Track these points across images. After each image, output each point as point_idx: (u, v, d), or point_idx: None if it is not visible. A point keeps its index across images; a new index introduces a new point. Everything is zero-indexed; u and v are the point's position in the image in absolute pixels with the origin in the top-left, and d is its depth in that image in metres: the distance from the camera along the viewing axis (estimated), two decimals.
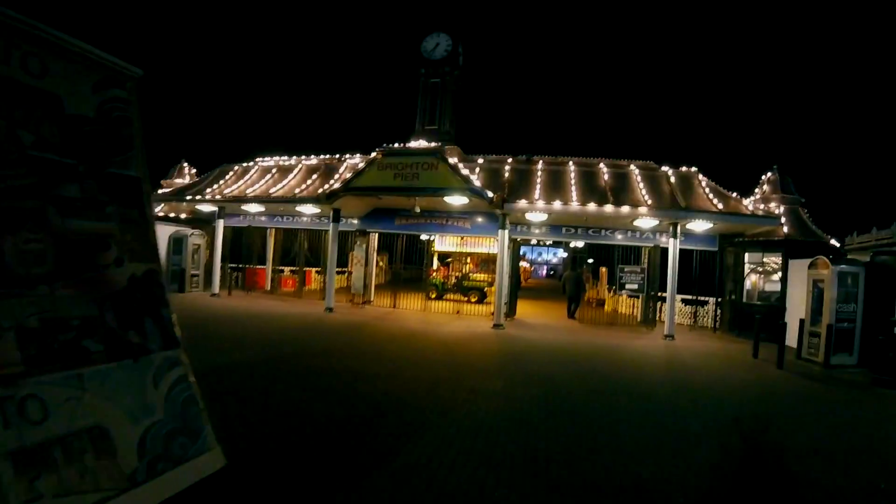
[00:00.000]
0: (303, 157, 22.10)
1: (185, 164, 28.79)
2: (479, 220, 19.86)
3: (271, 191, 20.41)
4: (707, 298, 21.37)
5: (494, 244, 28.55)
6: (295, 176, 21.06)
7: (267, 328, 14.37)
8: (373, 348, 12.13)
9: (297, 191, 19.89)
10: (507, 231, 17.35)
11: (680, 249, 17.69)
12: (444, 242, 29.23)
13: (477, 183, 16.84)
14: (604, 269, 31.59)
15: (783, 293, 17.78)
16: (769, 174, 19.86)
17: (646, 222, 17.34)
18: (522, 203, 16.71)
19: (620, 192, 17.44)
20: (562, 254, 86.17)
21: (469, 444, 6.10)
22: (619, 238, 19.30)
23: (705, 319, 21.43)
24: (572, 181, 18.03)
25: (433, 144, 17.72)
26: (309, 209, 19.88)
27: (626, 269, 19.40)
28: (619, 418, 7.55)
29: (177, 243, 23.74)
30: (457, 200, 17.32)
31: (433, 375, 9.59)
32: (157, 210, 26.03)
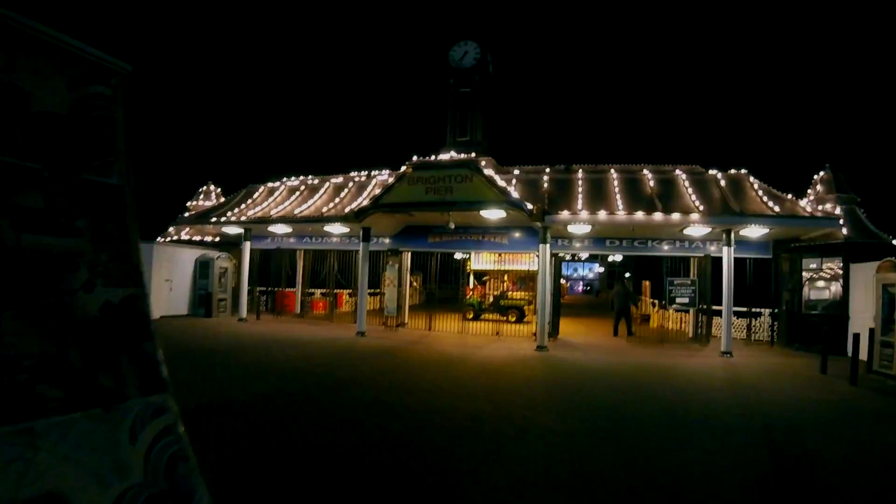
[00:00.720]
0: (330, 176, 21.27)
1: (212, 186, 28.28)
2: (517, 235, 18.82)
3: (297, 211, 19.55)
4: (761, 310, 20.07)
5: (533, 260, 27.56)
6: (322, 195, 20.21)
7: (293, 354, 13.40)
8: (406, 377, 11.02)
9: (324, 210, 19.00)
10: (548, 245, 16.18)
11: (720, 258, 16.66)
12: (479, 260, 28.07)
13: (515, 195, 15.74)
14: (646, 283, 30.18)
15: (845, 301, 16.37)
16: (822, 173, 18.61)
17: (697, 230, 16.11)
18: (564, 214, 15.57)
19: (668, 198, 16.23)
20: (598, 269, 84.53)
21: None
22: (665, 249, 18.13)
23: (760, 333, 20.10)
24: (615, 189, 16.84)
25: (466, 156, 16.68)
26: (337, 229, 18.99)
27: (675, 282, 18.08)
28: (700, 460, 6.30)
29: (203, 267, 23.12)
30: (493, 214, 16.25)
31: (474, 409, 8.44)
32: (183, 233, 25.49)
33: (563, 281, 36.22)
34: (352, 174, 20.73)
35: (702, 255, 18.00)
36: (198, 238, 26.02)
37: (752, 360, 15.07)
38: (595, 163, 18.70)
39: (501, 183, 15.87)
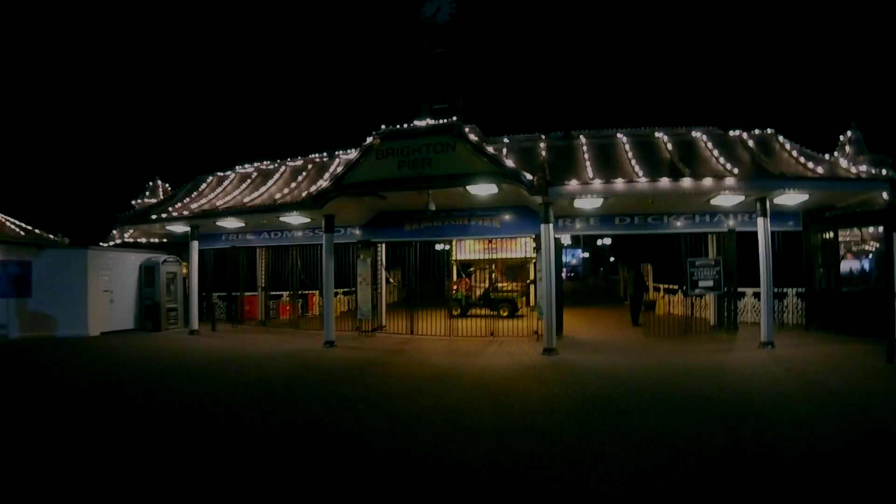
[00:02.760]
0: (287, 159, 18.14)
1: (159, 182, 25.02)
2: (508, 217, 16.06)
3: (247, 200, 16.40)
4: (786, 290, 17.74)
5: (524, 247, 24.76)
6: (276, 181, 17.10)
7: (238, 380, 10.38)
8: (384, 409, 8.00)
9: (277, 197, 15.86)
10: (551, 226, 13.22)
11: (753, 232, 14.35)
12: (463, 249, 25.14)
13: (509, 164, 12.78)
14: (648, 267, 27.42)
15: (890, 275, 13.84)
16: (849, 133, 16.01)
17: (728, 199, 13.56)
18: (573, 185, 12.63)
19: (691, 163, 13.52)
20: (581, 254, 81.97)
21: None
22: (678, 225, 15.51)
23: (788, 315, 17.76)
24: (629, 155, 13.98)
25: (446, 121, 13.63)
26: (295, 218, 15.95)
27: (697, 263, 15.37)
28: None
29: (148, 273, 20.15)
30: (483, 190, 13.35)
31: (485, 464, 5.52)
32: (127, 236, 22.28)
33: None
34: (312, 156, 17.62)
35: (724, 230, 15.54)
36: (144, 240, 22.82)
37: (799, 352, 12.67)
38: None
39: (491, 150, 12.91)
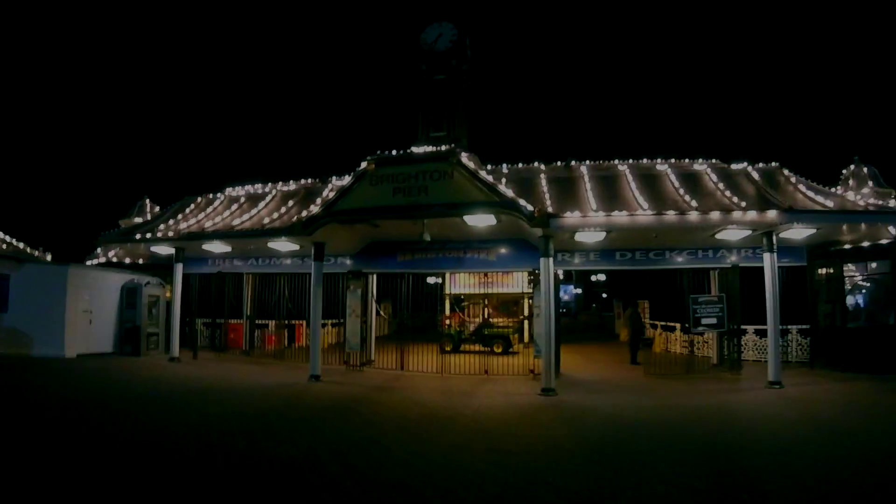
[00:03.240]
0: (280, 183, 17.54)
1: (147, 202, 24.29)
2: (504, 250, 15.52)
3: (234, 223, 15.74)
4: (788, 327, 17.20)
5: (519, 282, 24.14)
6: (266, 205, 16.45)
7: (217, 412, 9.65)
8: (371, 455, 7.28)
9: (265, 221, 15.21)
10: (551, 259, 12.63)
11: (755, 267, 14.32)
12: (456, 283, 24.49)
13: (508, 193, 12.24)
14: (645, 303, 26.85)
15: None
16: (852, 167, 16.36)
17: (733, 233, 13.13)
18: (575, 217, 12.08)
19: (696, 196, 13.08)
20: (573, 290, 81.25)
21: None
22: (679, 260, 15.12)
23: (791, 352, 17.36)
24: (632, 187, 13.50)
25: (444, 148, 13.10)
26: (284, 245, 15.30)
27: (700, 300, 15.15)
28: None
29: (130, 295, 19.46)
30: (481, 221, 12.82)
31: None
32: (110, 255, 21.54)
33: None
34: (303, 181, 17.03)
35: (727, 265, 15.20)
36: (129, 261, 22.03)
37: (808, 391, 12.31)
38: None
39: (490, 179, 12.37)
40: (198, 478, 6.08)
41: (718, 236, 13.39)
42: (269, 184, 17.72)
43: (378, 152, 13.13)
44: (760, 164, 14.55)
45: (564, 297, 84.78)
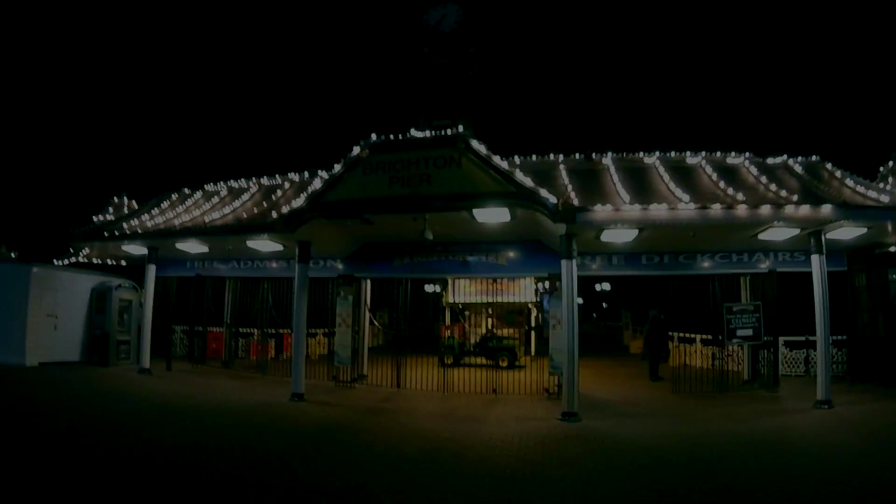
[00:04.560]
0: (264, 177, 15.74)
1: (125, 199, 22.42)
2: (514, 253, 13.92)
3: (208, 219, 13.91)
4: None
5: (525, 290, 22.20)
6: (247, 200, 14.63)
7: (176, 442, 7.84)
8: None
9: (243, 217, 13.36)
10: (574, 262, 10.78)
11: (782, 273, 13.58)
12: (458, 291, 22.56)
13: (527, 182, 10.40)
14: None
15: None
16: (891, 163, 14.14)
17: (778, 232, 11.41)
18: (607, 210, 10.22)
19: (738, 190, 11.34)
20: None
21: None
22: (705, 266, 13.51)
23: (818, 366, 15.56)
24: (665, 180, 11.75)
25: (450, 131, 11.24)
26: (265, 245, 13.46)
27: (735, 310, 13.48)
28: None
29: (100, 298, 17.71)
30: (493, 215, 11.02)
31: None
32: (83, 254, 19.66)
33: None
34: (290, 175, 15.23)
35: (762, 270, 13.65)
36: (101, 261, 20.16)
37: (863, 411, 10.74)
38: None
39: (505, 165, 10.54)
40: None
41: (762, 236, 11.65)
42: (253, 178, 15.94)
43: (373, 137, 11.31)
44: (800, 158, 12.89)
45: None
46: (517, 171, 10.62)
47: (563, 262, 10.75)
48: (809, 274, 12.01)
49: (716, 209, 10.15)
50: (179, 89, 66.42)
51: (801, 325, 15.49)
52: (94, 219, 20.72)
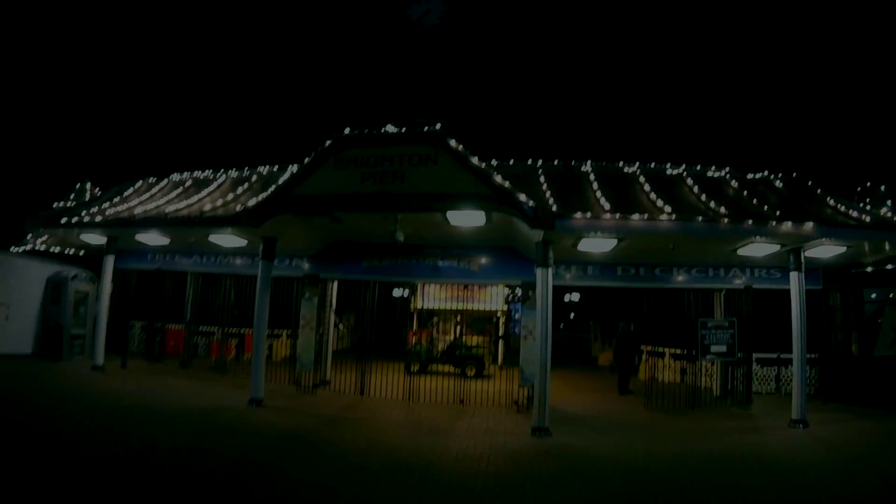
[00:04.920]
0: (233, 169, 15.11)
1: (89, 185, 21.48)
2: (486, 259, 13.39)
3: (169, 210, 13.23)
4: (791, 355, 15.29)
5: (495, 297, 21.82)
6: (212, 191, 14.01)
7: (116, 450, 7.20)
8: None
9: (207, 208, 12.73)
10: (550, 270, 10.35)
11: (757, 289, 13.56)
12: (427, 296, 22.05)
13: (505, 184, 9.95)
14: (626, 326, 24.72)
15: None
16: (869, 184, 14.25)
17: (759, 248, 11.18)
18: (586, 218, 9.86)
19: (721, 204, 11.09)
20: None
21: None
22: (679, 280, 13.35)
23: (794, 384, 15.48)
24: (646, 190, 11.47)
25: (429, 128, 10.73)
26: (228, 239, 12.85)
27: (709, 325, 13.15)
28: None
29: (56, 289, 16.86)
30: (468, 218, 10.58)
31: None
32: (40, 242, 18.75)
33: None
34: (260, 168, 14.63)
35: (738, 286, 13.63)
36: (61, 250, 19.25)
37: (841, 432, 10.58)
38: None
39: (482, 165, 10.07)
40: None
41: (742, 251, 11.42)
42: (223, 170, 15.30)
43: (347, 131, 10.76)
44: (780, 175, 12.88)
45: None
46: (494, 173, 10.18)
47: (539, 271, 10.32)
48: (782, 291, 12.00)
49: (698, 221, 9.93)
50: (160, 77, 64.50)
51: (774, 341, 15.57)
52: (55, 205, 19.84)
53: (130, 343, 18.24)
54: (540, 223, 9.57)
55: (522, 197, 9.68)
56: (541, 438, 9.59)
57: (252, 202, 11.34)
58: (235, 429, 9.37)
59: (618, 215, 9.86)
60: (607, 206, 10.33)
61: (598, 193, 11.03)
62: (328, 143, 10.70)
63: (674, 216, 9.95)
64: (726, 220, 9.98)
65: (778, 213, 10.49)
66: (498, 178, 9.87)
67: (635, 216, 9.89)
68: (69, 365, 15.56)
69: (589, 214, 9.85)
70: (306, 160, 10.92)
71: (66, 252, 19.17)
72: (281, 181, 11.20)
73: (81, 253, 18.96)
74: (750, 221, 10.02)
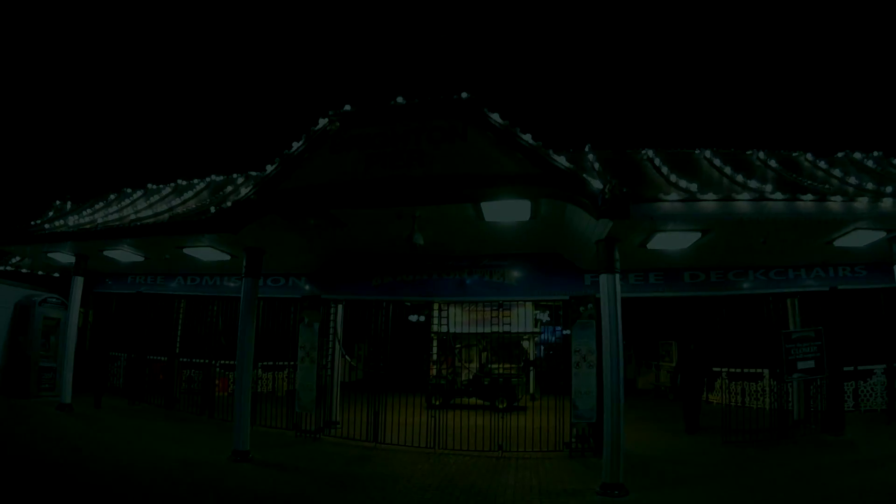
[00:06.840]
0: (213, 175, 12.94)
1: (69, 203, 19.39)
2: (519, 272, 10.97)
3: (132, 218, 10.93)
4: (873, 367, 13.42)
5: (523, 318, 19.10)
6: (190, 198, 11.71)
7: None
8: None
9: (178, 212, 10.42)
10: (617, 276, 7.86)
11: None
12: (447, 319, 19.42)
13: (561, 160, 7.50)
14: (670, 344, 22.25)
15: None
16: None
17: (860, 236, 8.83)
18: (672, 200, 7.43)
19: (816, 181, 8.91)
20: (561, 331, 75.48)
21: None
22: (745, 286, 11.15)
23: (874, 398, 13.46)
24: (726, 173, 9.09)
25: (454, 97, 8.30)
26: (206, 252, 10.58)
27: (794, 337, 10.86)
28: None
29: (23, 315, 14.71)
30: (509, 210, 8.22)
31: None
32: (13, 262, 16.56)
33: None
34: (249, 173, 12.41)
35: (824, 287, 11.26)
36: (40, 273, 17.11)
37: None
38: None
39: (528, 137, 7.60)
40: None
41: (839, 242, 9.12)
42: (209, 177, 13.10)
43: (347, 107, 8.40)
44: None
45: (551, 338, 79.33)
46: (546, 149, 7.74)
47: (604, 278, 7.84)
48: (864, 292, 10.99)
49: (807, 201, 7.44)
50: (150, 79, 62.16)
51: (851, 351, 12.95)
52: (32, 223, 17.72)
53: (112, 378, 15.98)
54: (610, 210, 7.01)
55: (586, 176, 7.25)
56: (616, 500, 7.09)
57: (228, 202, 8.95)
58: (210, 495, 6.93)
59: (712, 196, 7.41)
60: (693, 187, 7.84)
61: (673, 177, 8.56)
62: (322, 122, 8.32)
63: (777, 195, 7.51)
64: (838, 198, 7.54)
65: (889, 188, 8.00)
66: (551, 154, 7.41)
67: (744, 195, 7.47)
68: (36, 402, 13.38)
69: (675, 196, 7.42)
70: (295, 145, 8.52)
71: (40, 275, 17.04)
72: (264, 174, 8.80)
73: (56, 275, 16.80)
74: (865, 200, 7.58)
